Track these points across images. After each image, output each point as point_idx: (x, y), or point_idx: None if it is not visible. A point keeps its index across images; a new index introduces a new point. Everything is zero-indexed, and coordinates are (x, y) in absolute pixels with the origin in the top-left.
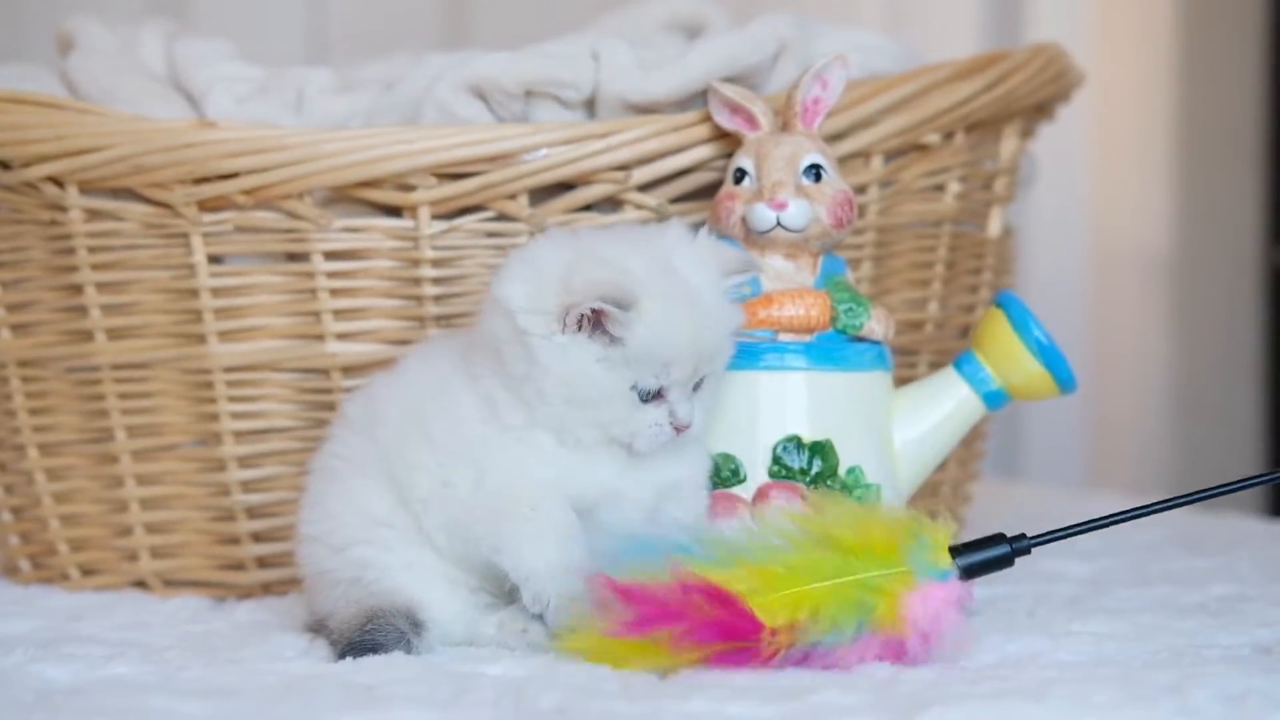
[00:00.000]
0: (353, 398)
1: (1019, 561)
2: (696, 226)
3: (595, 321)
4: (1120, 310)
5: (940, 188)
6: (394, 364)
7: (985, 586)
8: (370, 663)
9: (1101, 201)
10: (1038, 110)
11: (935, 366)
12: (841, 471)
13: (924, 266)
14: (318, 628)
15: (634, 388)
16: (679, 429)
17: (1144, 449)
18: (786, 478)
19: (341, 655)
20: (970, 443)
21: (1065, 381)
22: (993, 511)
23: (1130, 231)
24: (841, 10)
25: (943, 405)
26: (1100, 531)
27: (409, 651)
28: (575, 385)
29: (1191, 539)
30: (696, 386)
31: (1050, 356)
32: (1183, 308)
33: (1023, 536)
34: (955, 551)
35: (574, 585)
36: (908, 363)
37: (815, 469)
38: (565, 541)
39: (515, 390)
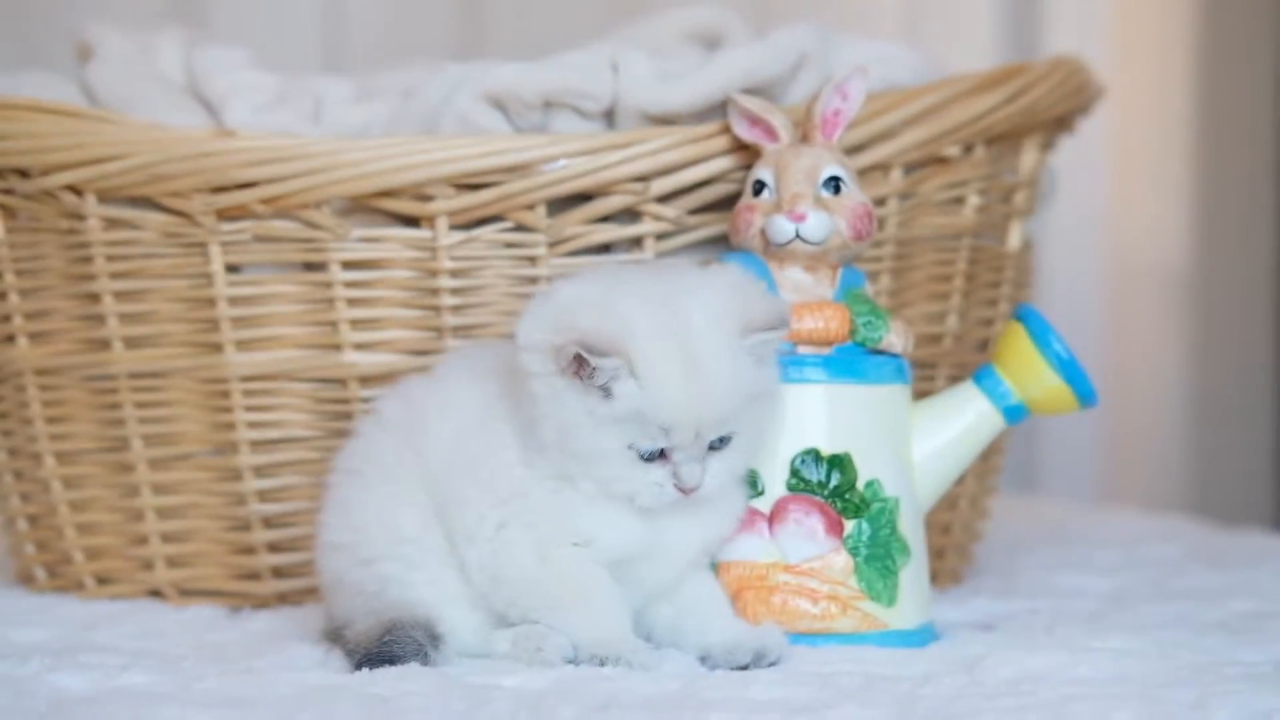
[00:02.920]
0: (388, 397)
1: (1036, 576)
2: (727, 254)
3: (584, 370)
4: (1137, 325)
5: (960, 200)
6: (430, 369)
7: (1000, 602)
8: (386, 674)
9: (1118, 215)
10: (1058, 123)
11: (953, 380)
12: (860, 485)
13: (943, 280)
14: (334, 636)
15: (631, 446)
16: (684, 491)
17: (1160, 463)
18: (805, 491)
19: (358, 666)
20: (988, 457)
21: (1085, 396)
22: (1009, 526)
23: (1147, 246)
24: (857, 21)
25: (962, 419)
26: (1119, 546)
27: (426, 663)
28: (569, 436)
29: (1211, 554)
30: (717, 446)
31: (1070, 370)
32: (1200, 322)
33: None
34: None
35: (629, 645)
36: (926, 376)
37: (834, 482)
38: (619, 620)
39: (531, 432)
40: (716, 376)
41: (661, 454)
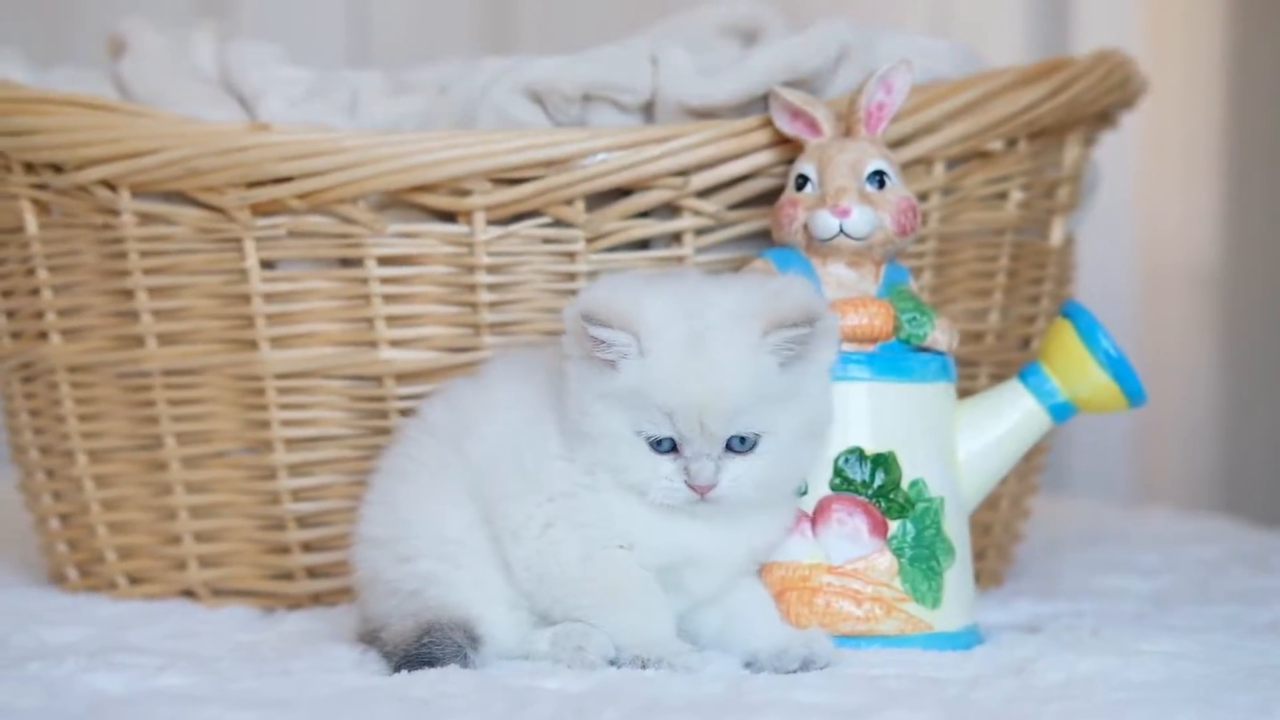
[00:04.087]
0: (432, 402)
1: (1077, 577)
2: (767, 250)
3: (594, 345)
4: (1168, 323)
5: (1003, 196)
6: (476, 371)
7: (1043, 603)
8: (426, 676)
9: (1150, 213)
10: (1101, 118)
11: (996, 379)
12: (904, 484)
13: (985, 276)
14: (370, 638)
15: (640, 433)
16: (698, 490)
17: (1191, 463)
18: (848, 491)
19: (397, 668)
20: (1030, 455)
21: (1134, 394)
22: (1045, 527)
23: (1179, 243)
24: (886, 14)
25: (1008, 418)
26: (1158, 546)
27: (465, 665)
28: (584, 416)
29: (1253, 555)
30: (738, 448)
31: (1119, 368)
32: (1231, 320)
33: None
34: None
35: (672, 647)
36: (968, 374)
37: (878, 482)
38: (662, 622)
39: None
40: (723, 365)
41: (674, 448)
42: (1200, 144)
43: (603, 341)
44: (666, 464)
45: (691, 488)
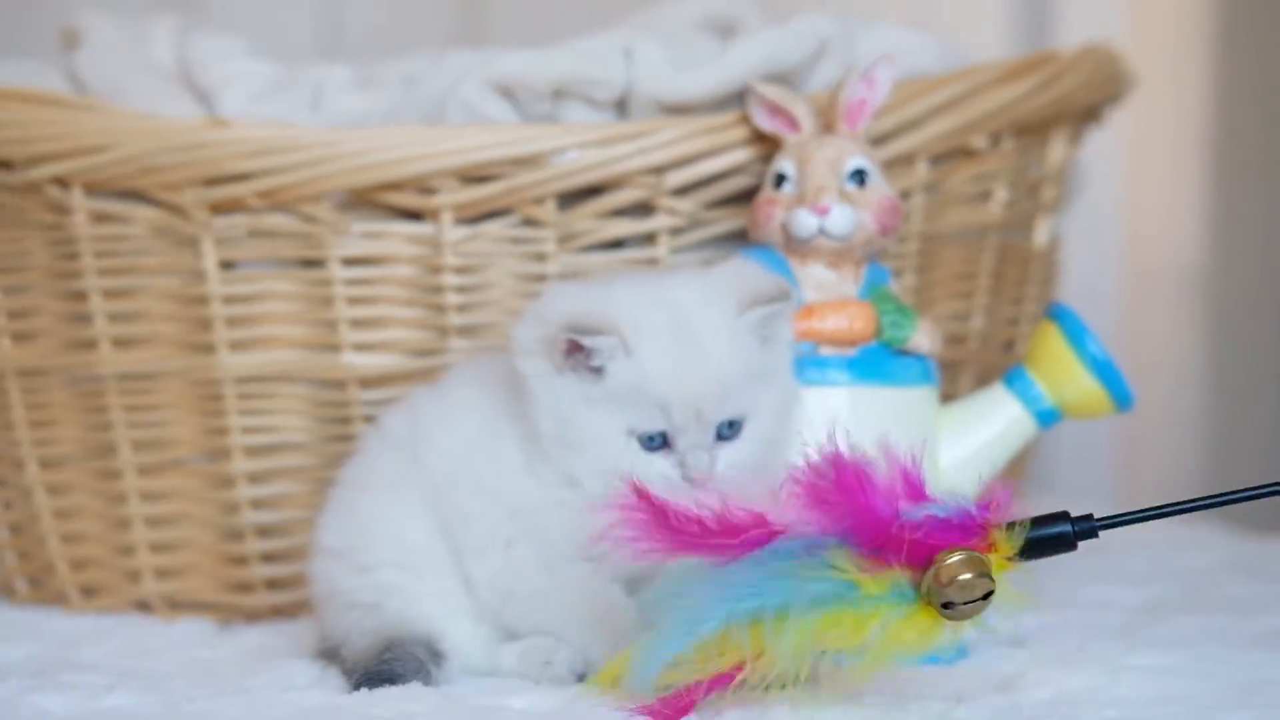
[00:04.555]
0: (392, 411)
1: (1063, 587)
2: (744, 248)
3: (576, 357)
4: (1153, 324)
5: (987, 195)
6: (436, 379)
7: (1031, 614)
8: (387, 694)
9: (1135, 212)
10: (1087, 114)
11: (979, 383)
12: None
13: (968, 277)
14: (330, 655)
15: (631, 432)
16: (694, 483)
17: (1177, 464)
18: None
19: (357, 686)
20: (1016, 460)
21: (1122, 399)
22: None
23: (1164, 243)
24: (868, 9)
25: (993, 423)
26: (1149, 555)
27: (428, 683)
28: (566, 427)
29: (1246, 564)
30: (726, 434)
31: (1106, 373)
32: (1218, 321)
33: (1089, 517)
34: (1011, 528)
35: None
36: (950, 378)
37: None
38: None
39: (535, 439)
40: (712, 348)
41: (665, 444)
42: (1188, 143)
43: (589, 351)
44: (660, 460)
45: (689, 481)
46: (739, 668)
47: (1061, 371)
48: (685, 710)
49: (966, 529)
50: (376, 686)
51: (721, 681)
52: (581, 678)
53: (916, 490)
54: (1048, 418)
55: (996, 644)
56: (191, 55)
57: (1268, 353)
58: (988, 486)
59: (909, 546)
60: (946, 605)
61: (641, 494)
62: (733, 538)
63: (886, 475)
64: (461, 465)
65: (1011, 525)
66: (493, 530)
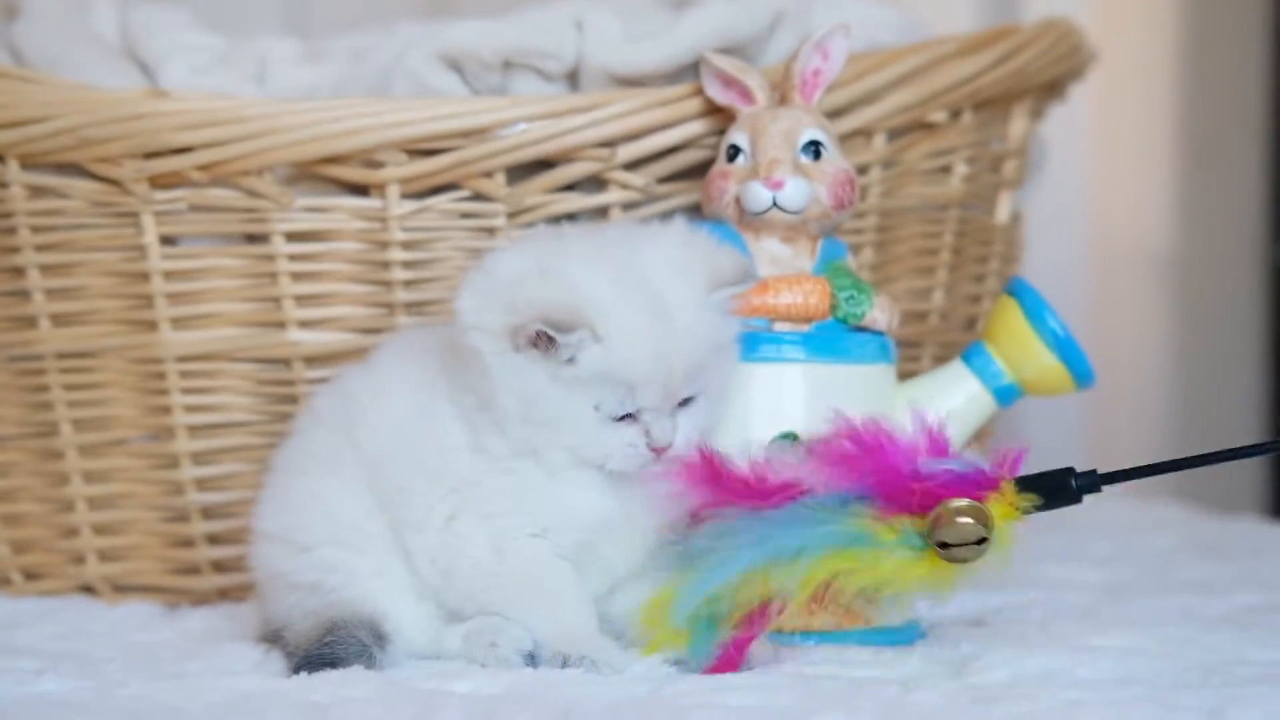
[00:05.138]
0: (322, 392)
1: (1026, 567)
2: (696, 222)
3: (543, 341)
4: (1120, 307)
5: (946, 169)
6: (366, 356)
7: (988, 595)
8: (327, 678)
9: (1101, 195)
10: (1049, 89)
11: (939, 360)
12: None
13: (929, 253)
14: (273, 638)
15: (598, 408)
16: (657, 451)
17: (1144, 448)
18: None
19: (297, 669)
20: (977, 439)
21: (1082, 376)
22: None
23: (1131, 226)
24: None
25: (950, 400)
26: (1111, 534)
27: (370, 666)
28: (532, 405)
29: (1207, 544)
30: (685, 403)
31: (1067, 349)
32: (1184, 305)
33: (1093, 472)
34: (1019, 482)
35: (595, 643)
36: (910, 356)
37: None
38: (583, 615)
39: (487, 410)
40: (684, 331)
41: (630, 415)
42: (1153, 125)
43: (560, 344)
44: (626, 430)
45: (653, 450)
46: (768, 603)
47: (1021, 347)
48: (738, 658)
49: (978, 483)
50: (317, 670)
51: (756, 619)
52: (530, 658)
53: (940, 448)
54: (1007, 394)
55: (955, 624)
56: (135, 27)
57: (1234, 335)
58: (1002, 451)
59: (921, 495)
60: (943, 545)
61: (706, 455)
62: (769, 493)
63: (908, 436)
64: (398, 443)
65: (1020, 480)
66: (432, 504)
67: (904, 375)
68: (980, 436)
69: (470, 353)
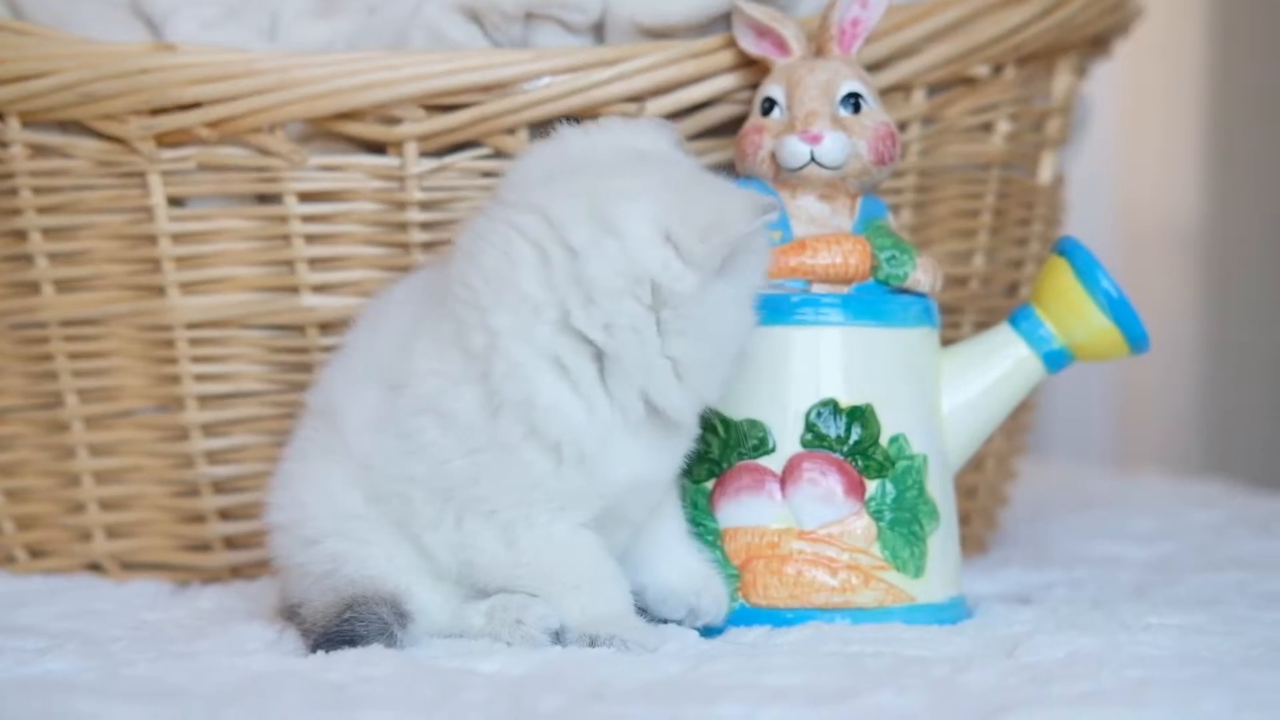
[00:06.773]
0: (315, 385)
1: (1068, 544)
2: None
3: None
4: (1148, 282)
5: (988, 127)
6: (343, 341)
7: (1033, 572)
8: (345, 657)
9: (1129, 169)
10: (1094, 44)
11: (980, 327)
12: (883, 440)
13: (970, 215)
14: (290, 614)
15: None
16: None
17: (1173, 423)
18: (821, 448)
19: (314, 648)
20: (1018, 413)
21: (1137, 340)
22: (1029, 491)
23: (1158, 201)
24: None
25: (998, 366)
26: (1156, 510)
27: (391, 644)
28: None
29: (1256, 519)
30: None
31: (1121, 310)
32: (1211, 279)
33: None
34: None
35: (626, 622)
36: (951, 323)
37: (854, 437)
38: (617, 592)
39: (618, 378)
40: None
41: None
42: (1180, 99)
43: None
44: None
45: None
46: None
47: (1072, 310)
48: None
49: None
50: (335, 648)
51: None
52: (556, 636)
53: None
54: (1057, 359)
55: (1002, 602)
56: None
57: (1262, 309)
58: None
59: None
60: None
61: None
62: None
63: None
64: (378, 445)
65: None
66: (439, 507)
67: (945, 343)
68: (1022, 408)
69: (635, 308)
